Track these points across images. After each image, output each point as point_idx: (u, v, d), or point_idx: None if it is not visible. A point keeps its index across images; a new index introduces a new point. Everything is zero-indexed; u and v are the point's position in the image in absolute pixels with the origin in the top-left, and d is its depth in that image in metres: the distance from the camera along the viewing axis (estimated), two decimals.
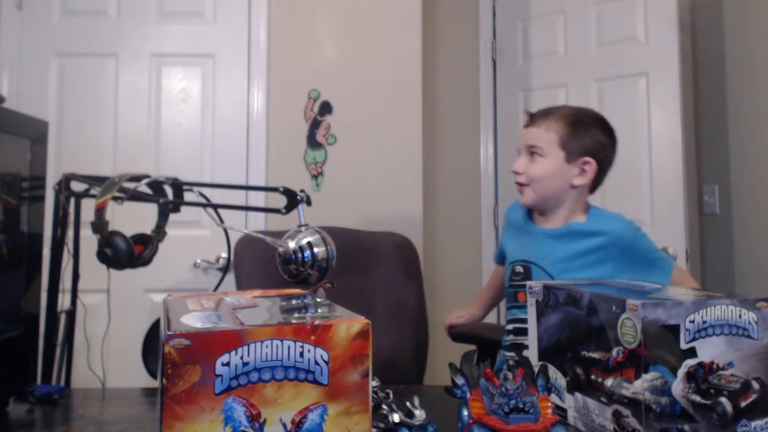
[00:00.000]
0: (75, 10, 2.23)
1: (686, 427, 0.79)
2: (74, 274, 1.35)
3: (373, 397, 0.74)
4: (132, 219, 1.38)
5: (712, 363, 0.81)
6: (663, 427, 0.79)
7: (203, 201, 1.26)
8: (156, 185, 1.25)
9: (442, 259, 2.68)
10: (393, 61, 2.29)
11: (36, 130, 1.12)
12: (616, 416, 0.83)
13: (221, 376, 0.63)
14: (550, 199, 1.38)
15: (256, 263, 1.70)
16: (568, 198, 1.37)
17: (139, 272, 1.28)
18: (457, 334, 1.71)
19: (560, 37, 2.58)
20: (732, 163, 2.41)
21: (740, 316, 0.83)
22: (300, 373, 0.66)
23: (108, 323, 1.55)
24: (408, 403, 0.88)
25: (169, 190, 1.26)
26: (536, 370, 0.85)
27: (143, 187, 1.21)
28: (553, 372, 0.95)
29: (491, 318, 1.79)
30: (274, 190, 1.12)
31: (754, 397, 0.82)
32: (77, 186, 1.26)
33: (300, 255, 1.04)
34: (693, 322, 0.81)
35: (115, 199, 1.13)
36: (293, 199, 1.10)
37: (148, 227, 1.27)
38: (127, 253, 1.15)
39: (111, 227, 1.15)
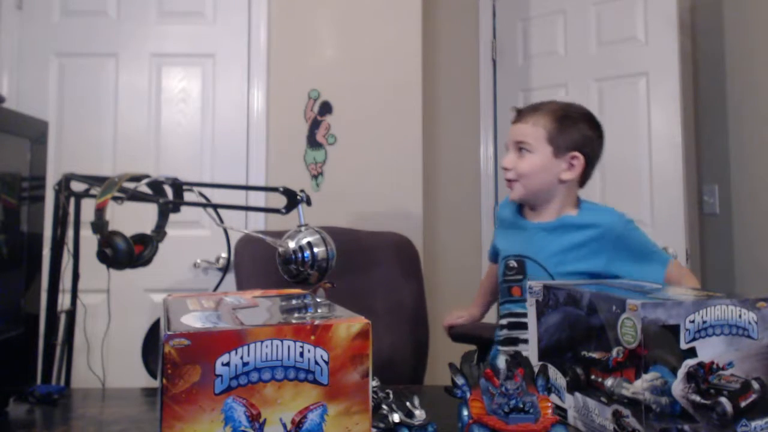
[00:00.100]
0: (75, 10, 2.23)
1: (686, 427, 0.79)
2: (74, 274, 1.35)
3: (373, 397, 0.74)
4: (132, 219, 1.38)
5: (712, 363, 0.81)
6: (663, 427, 0.79)
7: (203, 201, 1.26)
8: (156, 185, 1.25)
9: (442, 258, 2.68)
10: (393, 61, 2.29)
11: (36, 130, 1.12)
12: (616, 416, 0.83)
13: (221, 376, 0.63)
14: (539, 194, 1.38)
15: (256, 263, 1.70)
16: (558, 192, 1.38)
17: (139, 272, 1.28)
18: (456, 334, 1.71)
19: (560, 37, 2.57)
20: (732, 163, 2.41)
21: (740, 316, 0.83)
22: (300, 373, 0.66)
23: (108, 323, 1.55)
24: (408, 403, 0.88)
25: (169, 190, 1.26)
26: (536, 370, 0.85)
27: (143, 187, 1.21)
28: (553, 372, 0.95)
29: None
30: (274, 190, 1.12)
31: (754, 397, 0.82)
32: (77, 186, 1.26)
33: (300, 255, 1.04)
34: (693, 322, 0.81)
35: (115, 199, 1.13)
36: (293, 199, 1.10)
37: (148, 227, 1.27)
38: (127, 253, 1.15)
39: (111, 227, 1.15)
